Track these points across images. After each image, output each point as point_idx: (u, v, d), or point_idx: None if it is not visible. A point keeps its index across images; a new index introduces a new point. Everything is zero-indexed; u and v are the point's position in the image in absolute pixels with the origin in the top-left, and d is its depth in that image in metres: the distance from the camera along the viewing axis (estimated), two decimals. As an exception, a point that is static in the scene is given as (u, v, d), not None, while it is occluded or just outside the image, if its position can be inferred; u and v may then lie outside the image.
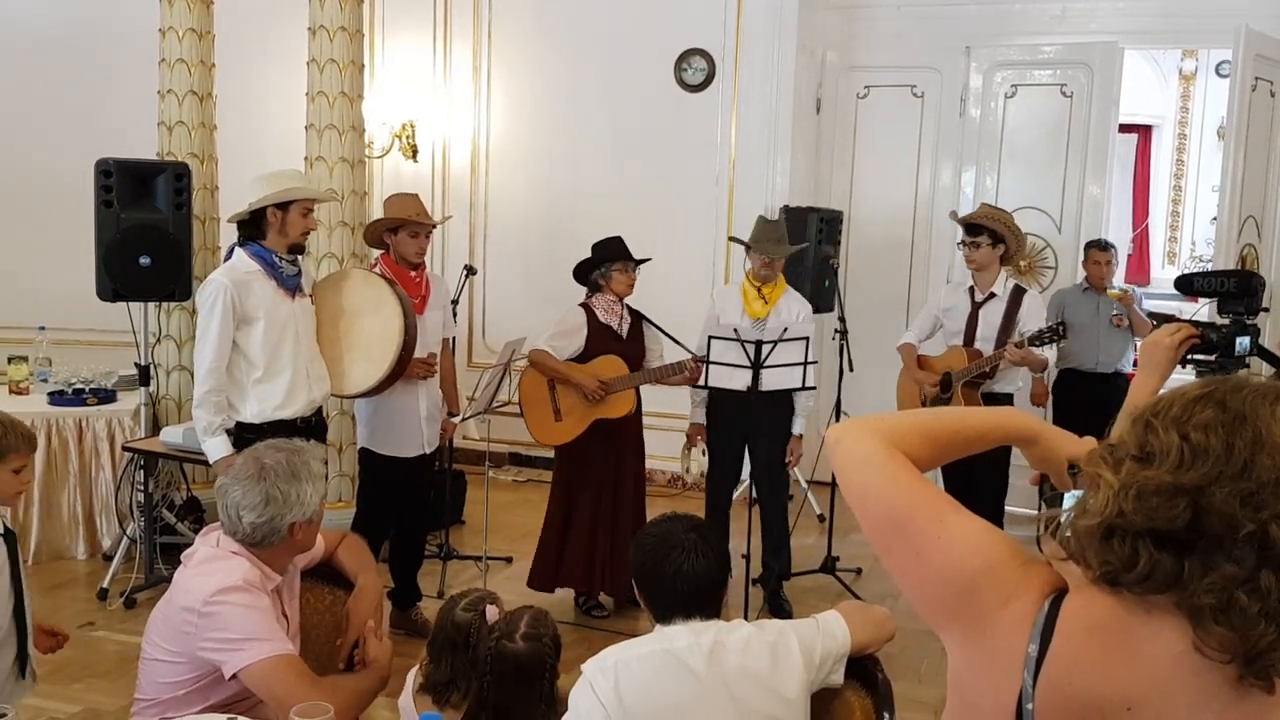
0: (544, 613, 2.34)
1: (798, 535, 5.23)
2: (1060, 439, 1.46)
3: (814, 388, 4.63)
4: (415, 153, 7.32)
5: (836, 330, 5.22)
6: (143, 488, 4.96)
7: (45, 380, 5.53)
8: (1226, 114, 6.56)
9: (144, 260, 4.87)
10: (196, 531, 3.60)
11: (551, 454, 4.91)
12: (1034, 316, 4.83)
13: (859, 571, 5.33)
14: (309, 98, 5.33)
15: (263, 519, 2.36)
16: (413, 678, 2.40)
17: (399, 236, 4.40)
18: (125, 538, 5.05)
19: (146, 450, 4.88)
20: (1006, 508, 4.84)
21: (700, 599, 2.18)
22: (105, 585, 4.83)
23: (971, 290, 4.97)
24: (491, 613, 2.30)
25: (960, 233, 5.12)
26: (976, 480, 4.46)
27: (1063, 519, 1.16)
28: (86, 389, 5.33)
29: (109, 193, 4.82)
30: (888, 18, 6.69)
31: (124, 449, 5.13)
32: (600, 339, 4.65)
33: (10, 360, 5.59)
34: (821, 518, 6.07)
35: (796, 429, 4.83)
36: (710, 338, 4.45)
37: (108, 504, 5.30)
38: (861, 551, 5.31)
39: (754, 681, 2.08)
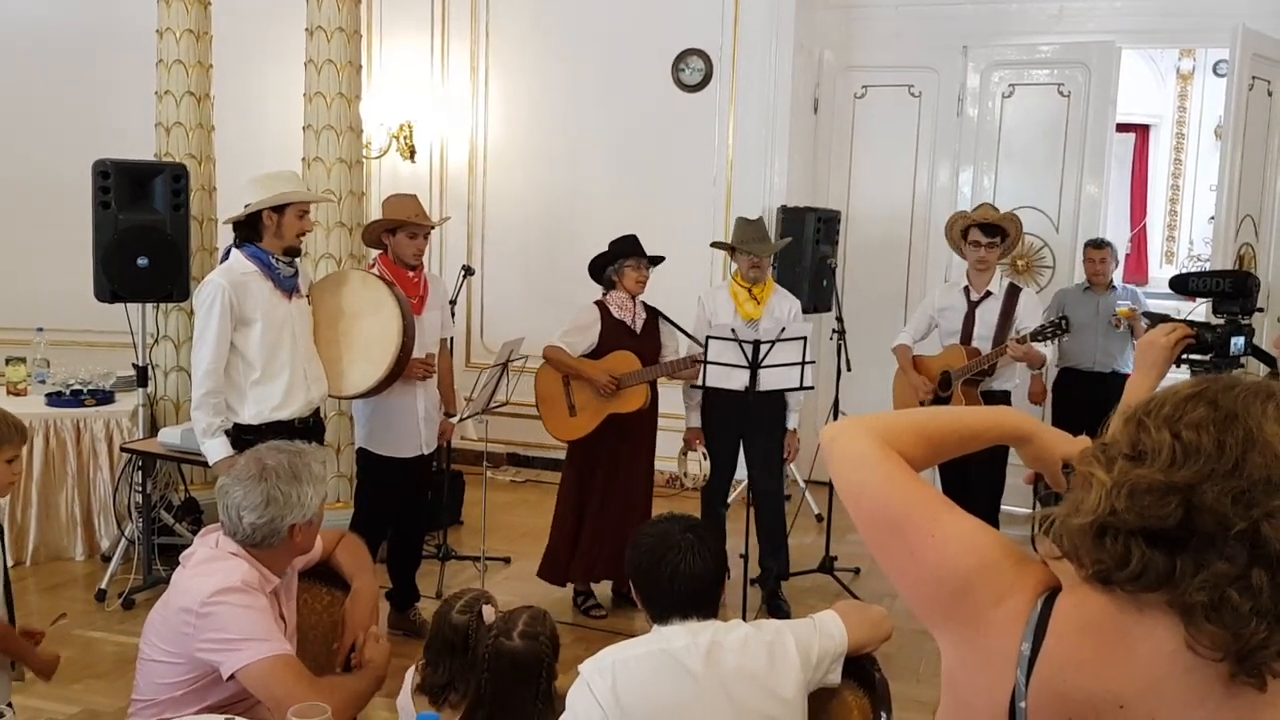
0: (542, 612, 2.34)
1: (795, 535, 5.23)
2: (1054, 438, 1.46)
3: (811, 387, 4.63)
4: (413, 153, 7.31)
5: (834, 330, 5.22)
6: (141, 489, 4.96)
7: (43, 381, 5.54)
8: (1224, 113, 6.58)
9: (142, 261, 4.86)
10: (194, 532, 3.62)
11: (550, 454, 4.92)
12: (1030, 314, 4.85)
13: (857, 571, 5.33)
14: (306, 98, 5.33)
15: (263, 520, 2.37)
16: (410, 677, 2.41)
17: (397, 237, 4.41)
18: (123, 539, 5.06)
19: (144, 451, 4.88)
20: (1003, 506, 4.85)
21: (697, 599, 2.18)
22: (103, 586, 4.84)
23: (967, 290, 4.98)
24: (488, 612, 2.30)
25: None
26: (973, 479, 4.48)
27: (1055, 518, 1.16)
28: (84, 390, 5.33)
29: (107, 194, 4.81)
30: (885, 17, 6.70)
31: (122, 450, 5.13)
32: (614, 335, 4.70)
33: (8, 361, 5.59)
34: (820, 517, 6.07)
35: (791, 423, 4.85)
36: (708, 338, 4.46)
37: (106, 505, 5.29)
38: (859, 551, 5.31)
39: (751, 681, 2.09)
